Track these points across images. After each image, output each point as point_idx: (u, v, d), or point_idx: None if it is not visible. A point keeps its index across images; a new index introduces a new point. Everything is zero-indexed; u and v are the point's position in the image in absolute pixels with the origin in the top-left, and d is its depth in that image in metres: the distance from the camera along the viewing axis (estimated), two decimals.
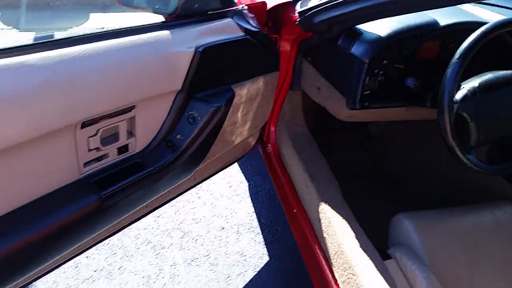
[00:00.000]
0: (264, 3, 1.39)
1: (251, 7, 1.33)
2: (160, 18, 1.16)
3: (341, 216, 1.23)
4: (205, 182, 2.09)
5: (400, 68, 1.28)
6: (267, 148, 1.76)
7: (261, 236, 1.85)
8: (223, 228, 1.87)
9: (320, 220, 1.26)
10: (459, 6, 1.40)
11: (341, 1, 1.09)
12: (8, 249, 0.77)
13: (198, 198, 2.01)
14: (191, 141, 1.13)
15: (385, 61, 1.21)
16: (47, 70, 0.77)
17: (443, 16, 1.25)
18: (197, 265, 1.69)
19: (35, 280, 1.10)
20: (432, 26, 1.21)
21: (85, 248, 1.17)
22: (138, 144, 1.07)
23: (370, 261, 1.05)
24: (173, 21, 1.11)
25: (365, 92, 1.22)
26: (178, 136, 1.13)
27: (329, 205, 1.28)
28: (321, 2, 1.18)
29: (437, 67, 1.29)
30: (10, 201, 0.80)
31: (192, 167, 1.21)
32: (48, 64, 0.77)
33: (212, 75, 1.17)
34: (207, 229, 1.86)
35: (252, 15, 1.33)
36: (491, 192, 1.45)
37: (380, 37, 1.17)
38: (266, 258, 1.75)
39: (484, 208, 1.25)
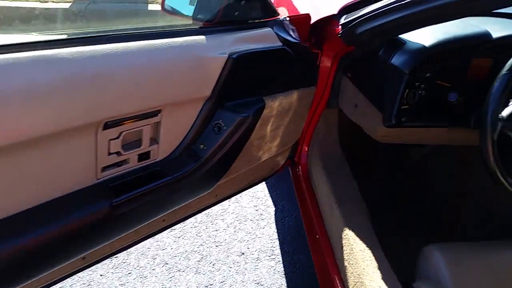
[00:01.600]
0: (308, 16, 1.32)
1: (293, 19, 1.27)
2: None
3: (366, 244, 1.12)
4: (231, 204, 2.03)
5: (445, 86, 1.17)
6: (297, 170, 1.65)
7: (281, 265, 1.70)
8: (243, 253, 1.74)
9: (342, 247, 1.16)
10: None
11: (382, 11, 1.00)
12: (9, 250, 0.72)
13: (222, 220, 1.90)
14: (213, 152, 1.04)
15: (428, 74, 1.10)
16: (76, 65, 0.74)
17: (496, 29, 1.13)
18: None
19: None
20: (483, 38, 1.09)
21: (96, 259, 1.08)
22: (160, 151, 1.00)
23: None
24: (212, 27, 1.06)
25: (403, 107, 1.11)
26: (202, 146, 1.04)
27: (353, 231, 1.17)
28: (363, 12, 1.09)
29: (488, 87, 1.20)
30: (24, 198, 0.76)
31: (213, 180, 1.11)
32: (78, 59, 0.75)
33: (244, 84, 1.09)
34: (226, 254, 1.73)
35: (294, 27, 1.27)
36: None
37: (424, 47, 1.07)
38: None
39: None
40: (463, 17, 0.94)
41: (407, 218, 1.72)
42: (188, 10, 1.09)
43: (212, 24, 1.06)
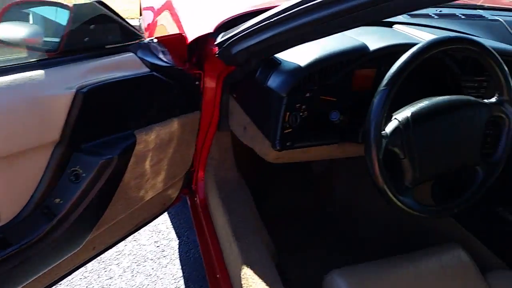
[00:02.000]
0: (182, 36, 1.20)
1: (164, 40, 1.14)
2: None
3: (266, 282, 1.03)
4: (127, 243, 1.82)
5: (330, 101, 1.11)
6: (195, 199, 1.52)
7: None
8: None
9: None
10: (395, 28, 1.27)
11: (254, 29, 0.91)
12: None
13: (117, 265, 1.68)
14: (73, 205, 0.86)
15: (307, 94, 1.02)
16: None
17: (376, 40, 1.10)
18: None
19: None
20: (360, 51, 1.04)
21: None
22: (2, 214, 0.80)
23: None
24: (55, 58, 0.88)
25: (286, 131, 1.02)
26: (57, 200, 0.86)
27: (252, 268, 1.07)
28: (236, 32, 0.99)
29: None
30: None
31: (79, 237, 0.93)
32: None
33: (104, 120, 0.93)
34: None
35: (164, 49, 1.13)
36: (439, 234, 1.29)
37: (299, 66, 0.98)
38: None
39: (430, 254, 1.09)
40: (341, 31, 0.87)
41: (309, 236, 1.67)
42: (23, 38, 0.90)
43: (56, 54, 0.88)
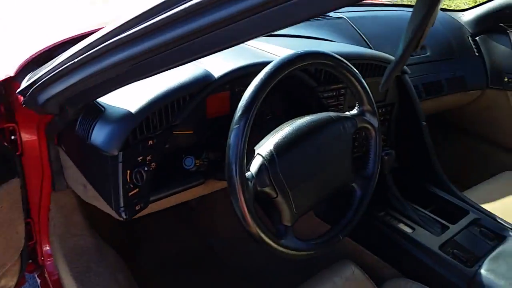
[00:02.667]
0: None
1: None
2: None
3: None
4: None
5: (187, 134, 0.96)
6: (45, 275, 1.22)
7: None
8: None
9: None
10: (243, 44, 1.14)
11: (59, 71, 0.68)
12: None
13: None
14: None
15: (150, 142, 0.83)
16: None
17: (220, 63, 0.95)
18: None
19: None
20: (203, 81, 0.88)
21: None
22: None
23: None
24: None
25: (131, 193, 0.82)
26: None
27: None
28: (40, 74, 0.75)
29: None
30: None
31: None
32: None
33: None
34: None
35: None
36: (330, 253, 1.24)
37: (130, 113, 0.77)
38: None
39: (324, 279, 1.04)
40: (169, 69, 0.68)
41: (202, 275, 1.52)
42: None
43: None
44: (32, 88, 0.77)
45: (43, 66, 0.81)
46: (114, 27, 0.58)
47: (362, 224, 0.99)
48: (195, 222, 1.73)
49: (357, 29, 1.55)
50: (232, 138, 0.72)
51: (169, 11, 0.50)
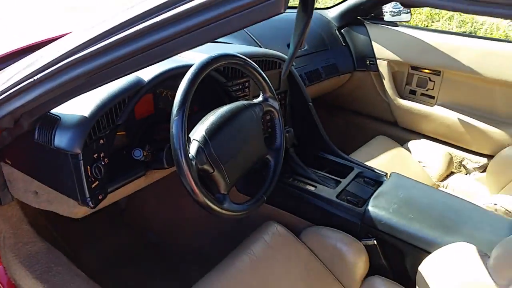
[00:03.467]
0: None
1: None
2: None
3: None
4: None
5: (123, 135, 1.13)
6: None
7: None
8: None
9: None
10: None
11: (16, 90, 0.81)
12: None
13: None
14: None
15: (101, 141, 1.00)
16: None
17: (147, 68, 1.13)
18: None
19: None
20: (137, 85, 1.06)
21: None
22: None
23: None
24: None
25: (93, 185, 0.99)
26: None
27: None
28: None
29: (160, 118, 1.22)
30: None
31: None
32: None
33: None
34: None
35: None
36: (257, 220, 1.47)
37: (85, 117, 0.94)
38: None
39: (256, 239, 1.25)
40: (110, 81, 0.80)
41: (150, 268, 1.66)
42: None
43: None
44: None
45: None
46: (73, 46, 0.72)
47: (276, 191, 1.23)
48: (127, 221, 1.85)
49: (248, 32, 1.82)
50: (174, 128, 0.89)
51: (119, 33, 0.67)
